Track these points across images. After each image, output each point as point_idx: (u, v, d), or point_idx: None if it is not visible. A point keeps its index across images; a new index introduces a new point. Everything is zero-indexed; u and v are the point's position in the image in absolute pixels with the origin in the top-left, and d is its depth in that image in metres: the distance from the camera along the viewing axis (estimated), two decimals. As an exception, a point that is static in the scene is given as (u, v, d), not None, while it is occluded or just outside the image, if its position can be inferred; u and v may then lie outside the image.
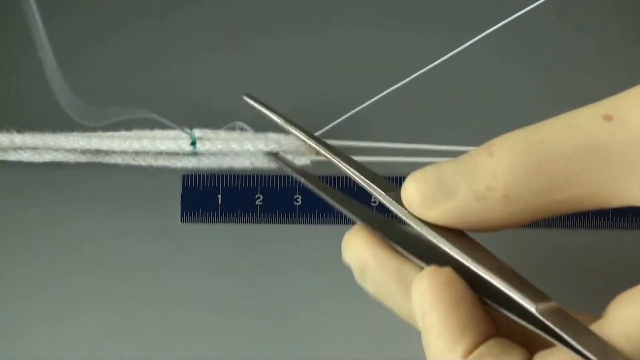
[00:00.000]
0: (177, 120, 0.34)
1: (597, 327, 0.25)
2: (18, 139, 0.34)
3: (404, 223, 0.29)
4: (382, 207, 0.30)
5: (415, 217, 0.28)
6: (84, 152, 0.35)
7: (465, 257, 0.27)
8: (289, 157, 0.34)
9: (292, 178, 0.39)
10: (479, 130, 0.38)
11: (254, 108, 0.33)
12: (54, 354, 0.36)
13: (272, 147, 0.33)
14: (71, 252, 0.38)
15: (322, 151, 0.32)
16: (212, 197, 0.38)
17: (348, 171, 0.31)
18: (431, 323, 0.26)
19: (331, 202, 0.31)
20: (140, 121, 0.35)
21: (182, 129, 0.33)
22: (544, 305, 0.25)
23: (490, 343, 0.26)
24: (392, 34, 0.41)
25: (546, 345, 0.25)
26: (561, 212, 0.26)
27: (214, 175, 0.39)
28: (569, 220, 0.38)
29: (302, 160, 0.34)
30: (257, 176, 0.39)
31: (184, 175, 0.38)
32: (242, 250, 0.38)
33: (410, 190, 0.28)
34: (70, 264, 0.37)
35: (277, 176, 0.39)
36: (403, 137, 0.36)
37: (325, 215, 0.38)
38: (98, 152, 0.35)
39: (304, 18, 0.41)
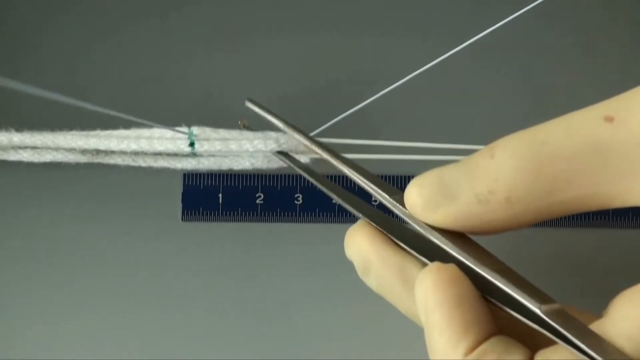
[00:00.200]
0: (177, 118, 0.34)
1: (598, 327, 0.25)
2: (17, 138, 0.33)
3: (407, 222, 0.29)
4: (383, 207, 0.30)
5: (418, 220, 0.28)
6: (83, 152, 0.35)
7: (469, 258, 0.27)
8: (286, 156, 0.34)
9: (292, 177, 0.39)
10: (480, 128, 0.38)
11: (257, 113, 0.33)
12: (54, 354, 0.36)
13: (272, 146, 0.33)
14: (72, 251, 0.38)
15: (327, 157, 0.32)
16: (213, 195, 0.38)
17: (352, 175, 0.31)
18: (434, 320, 0.26)
19: (335, 198, 0.31)
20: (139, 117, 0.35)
21: (179, 130, 0.33)
22: (548, 307, 0.25)
23: (493, 341, 0.26)
24: (392, 34, 0.41)
25: (547, 343, 0.25)
26: (563, 213, 0.26)
27: (215, 174, 0.39)
28: (569, 219, 0.38)
29: (302, 159, 0.34)
30: (257, 175, 0.39)
31: (184, 174, 0.38)
32: (242, 249, 0.38)
33: (413, 194, 0.28)
34: (71, 264, 0.37)
35: (277, 175, 0.39)
36: (405, 135, 0.36)
37: (326, 214, 0.38)
38: (97, 152, 0.35)
39: (304, 17, 0.41)
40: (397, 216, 0.29)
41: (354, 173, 0.31)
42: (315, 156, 0.33)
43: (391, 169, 0.39)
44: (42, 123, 0.35)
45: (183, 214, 0.38)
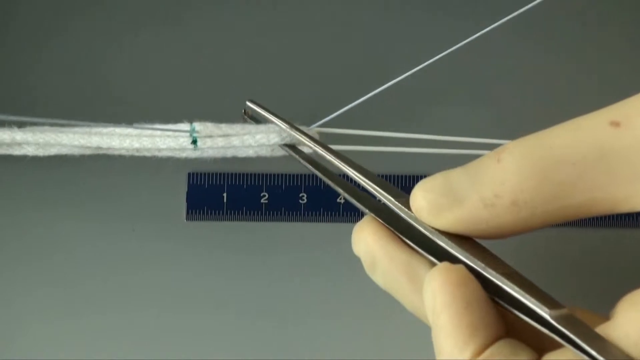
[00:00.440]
0: (180, 115, 0.34)
1: (604, 330, 0.24)
2: (19, 136, 0.33)
3: None
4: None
5: (424, 223, 0.28)
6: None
7: (476, 261, 0.27)
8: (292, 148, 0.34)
9: (297, 176, 0.38)
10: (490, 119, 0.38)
11: (258, 114, 0.33)
12: (57, 354, 0.37)
13: (274, 140, 0.33)
14: (74, 250, 0.38)
15: (331, 159, 0.32)
16: (218, 195, 0.38)
17: (358, 178, 0.30)
18: (442, 322, 0.26)
19: (341, 192, 0.31)
20: (141, 114, 0.35)
21: (180, 130, 0.33)
22: (556, 312, 0.25)
23: (500, 344, 0.26)
24: (399, 22, 0.41)
25: (554, 346, 0.25)
26: (570, 217, 0.26)
27: (220, 174, 0.38)
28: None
29: (305, 149, 0.34)
30: (262, 174, 0.38)
31: (189, 173, 0.38)
32: (247, 248, 0.38)
33: (419, 198, 0.28)
34: (74, 263, 0.38)
35: (282, 174, 0.38)
36: (412, 127, 0.36)
37: (330, 213, 0.38)
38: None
39: (307, 12, 0.41)
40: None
41: (359, 175, 0.30)
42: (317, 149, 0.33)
43: (396, 166, 0.38)
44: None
45: (188, 213, 0.38)
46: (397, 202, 0.29)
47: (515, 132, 0.33)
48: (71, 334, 0.37)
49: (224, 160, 0.34)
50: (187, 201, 0.38)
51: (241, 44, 0.40)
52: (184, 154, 0.34)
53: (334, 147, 0.32)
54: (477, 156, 0.31)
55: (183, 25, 0.40)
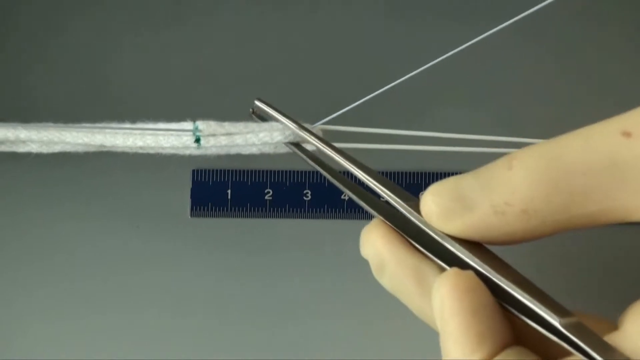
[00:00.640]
0: (183, 113, 0.34)
1: (613, 339, 0.24)
2: (23, 134, 0.33)
3: None
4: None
5: (434, 227, 0.28)
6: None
7: (486, 267, 0.27)
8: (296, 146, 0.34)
9: (301, 173, 0.38)
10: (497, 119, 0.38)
11: (267, 113, 0.33)
12: (60, 353, 0.37)
13: (278, 138, 0.33)
14: (78, 248, 0.38)
15: (339, 160, 0.31)
16: (222, 191, 0.38)
17: (366, 180, 0.30)
18: (450, 329, 0.26)
19: (349, 194, 0.31)
20: (145, 113, 0.35)
21: (183, 129, 0.32)
22: (566, 320, 0.25)
23: (508, 352, 0.25)
24: (403, 22, 0.40)
25: (563, 353, 0.25)
26: (581, 226, 0.26)
27: (224, 170, 0.38)
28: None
29: (309, 147, 0.34)
30: (266, 171, 0.38)
31: (193, 170, 0.38)
32: (251, 245, 0.38)
33: (429, 203, 0.27)
34: (77, 260, 0.38)
35: (286, 171, 0.38)
36: (416, 126, 0.35)
37: (335, 210, 0.38)
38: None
39: (313, 8, 0.40)
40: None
41: (368, 177, 0.30)
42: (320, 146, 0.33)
43: (400, 163, 0.38)
44: (47, 115, 0.35)
45: (192, 209, 0.38)
46: (406, 206, 0.29)
47: (518, 131, 0.33)
48: (74, 333, 0.37)
49: (228, 157, 0.34)
50: (191, 198, 0.38)
51: (244, 42, 0.40)
52: (187, 151, 0.34)
53: (338, 145, 0.32)
54: (480, 154, 0.31)
55: (186, 25, 0.40)
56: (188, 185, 0.38)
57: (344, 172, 0.32)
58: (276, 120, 0.33)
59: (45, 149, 0.34)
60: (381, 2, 0.40)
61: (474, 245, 0.27)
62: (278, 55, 0.40)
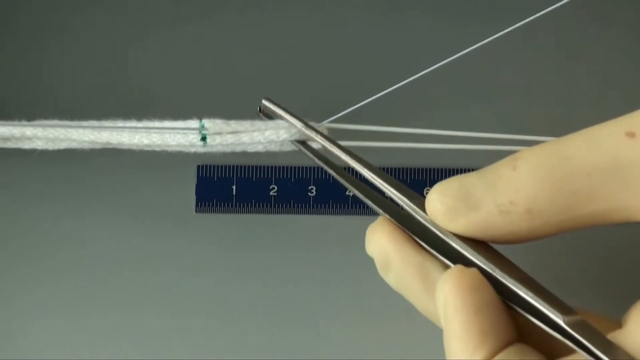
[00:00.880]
0: (190, 112, 0.34)
1: (616, 338, 0.25)
2: (29, 131, 0.33)
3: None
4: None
5: (439, 226, 0.28)
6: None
7: (490, 265, 0.27)
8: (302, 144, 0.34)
9: (306, 169, 0.38)
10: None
11: (274, 112, 0.33)
12: (64, 352, 0.37)
13: (284, 137, 0.33)
14: (82, 244, 0.38)
15: (346, 158, 0.32)
16: (227, 187, 0.38)
17: (372, 178, 0.31)
18: (453, 326, 0.26)
19: (355, 192, 0.31)
20: (151, 111, 0.35)
21: (189, 128, 0.33)
22: (570, 318, 0.25)
23: (511, 349, 0.26)
24: (408, 22, 0.40)
25: (565, 352, 0.25)
26: (585, 226, 0.26)
27: (229, 166, 0.38)
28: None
29: (314, 145, 0.34)
30: (271, 167, 0.38)
31: (198, 166, 0.38)
32: (256, 241, 0.38)
33: (434, 201, 0.28)
34: (83, 257, 0.38)
35: (291, 167, 0.38)
36: (421, 124, 0.36)
37: (339, 206, 0.38)
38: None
39: (316, 10, 0.40)
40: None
41: (374, 176, 0.30)
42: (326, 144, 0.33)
43: (403, 159, 0.38)
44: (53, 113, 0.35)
45: (197, 205, 0.38)
46: (411, 204, 0.29)
47: (522, 131, 0.33)
48: (77, 331, 0.37)
49: (233, 153, 0.34)
50: (196, 194, 0.38)
51: (250, 41, 0.40)
52: (193, 149, 0.34)
53: (344, 143, 0.32)
54: (484, 151, 0.31)
55: (193, 24, 0.40)
56: (193, 181, 0.38)
57: (349, 170, 0.32)
58: (283, 119, 0.33)
59: (50, 146, 0.35)
60: (383, 2, 0.40)
61: (478, 243, 0.28)
62: (284, 54, 0.40)
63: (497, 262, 0.27)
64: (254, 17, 0.40)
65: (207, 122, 0.33)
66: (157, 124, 0.33)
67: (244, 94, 0.36)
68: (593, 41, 0.40)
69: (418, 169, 0.39)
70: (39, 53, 0.39)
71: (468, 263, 0.27)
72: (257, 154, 0.35)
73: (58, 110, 0.35)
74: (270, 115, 0.34)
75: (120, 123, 0.34)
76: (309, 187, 0.38)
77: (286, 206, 0.38)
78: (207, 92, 0.39)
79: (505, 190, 0.26)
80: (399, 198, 0.30)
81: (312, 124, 0.33)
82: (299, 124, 0.33)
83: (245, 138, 0.33)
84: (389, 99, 0.34)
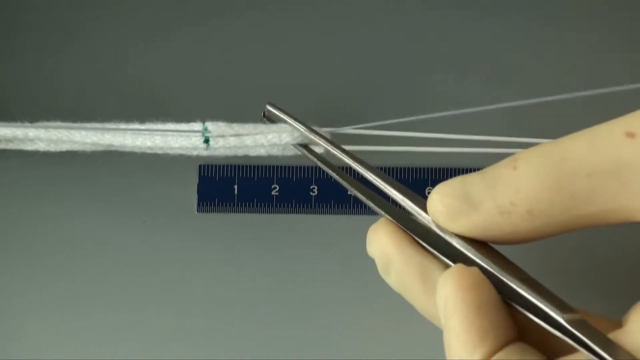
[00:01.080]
0: (193, 114, 0.35)
1: (617, 337, 0.25)
2: (32, 132, 0.34)
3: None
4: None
5: (440, 226, 0.28)
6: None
7: (491, 264, 0.27)
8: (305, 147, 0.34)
9: (308, 168, 0.38)
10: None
11: (278, 117, 0.34)
12: (66, 353, 0.37)
13: (286, 140, 0.33)
14: (83, 245, 0.38)
15: (349, 161, 0.32)
16: (229, 187, 0.38)
17: (374, 180, 0.31)
18: (453, 324, 0.26)
19: (356, 194, 0.31)
20: (154, 114, 0.35)
21: (192, 130, 0.33)
22: (570, 316, 0.25)
23: (511, 348, 0.26)
24: (413, 23, 0.40)
25: (565, 351, 0.26)
26: (586, 226, 0.26)
27: (230, 166, 0.39)
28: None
29: (317, 149, 0.34)
30: (273, 166, 0.39)
31: (200, 165, 0.38)
32: (258, 240, 0.38)
33: (436, 202, 0.28)
34: (83, 257, 0.38)
35: (293, 166, 0.39)
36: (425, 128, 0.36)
37: (341, 206, 0.38)
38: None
39: (321, 14, 0.40)
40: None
41: (376, 178, 0.31)
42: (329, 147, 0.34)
43: (409, 159, 0.39)
44: (56, 114, 0.35)
45: (198, 205, 0.38)
46: (413, 205, 0.29)
47: (523, 132, 0.33)
48: (79, 331, 0.37)
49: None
50: (198, 193, 0.38)
51: (254, 44, 0.40)
52: (195, 152, 0.34)
53: (346, 147, 0.32)
54: (490, 154, 0.31)
55: (196, 26, 0.40)
56: (195, 180, 0.38)
57: (350, 171, 0.32)
58: (287, 123, 0.33)
59: (53, 148, 0.35)
60: (387, 6, 0.40)
61: (479, 243, 0.28)
62: (287, 57, 0.40)
63: (497, 261, 0.27)
64: (258, 19, 0.40)
65: (210, 125, 0.33)
66: (160, 126, 0.33)
67: (247, 97, 0.36)
68: (593, 41, 0.40)
69: (420, 169, 0.39)
70: (43, 55, 0.39)
71: (469, 263, 0.27)
72: (258, 154, 0.35)
73: (61, 112, 0.35)
74: (273, 120, 0.34)
75: (123, 125, 0.34)
76: (311, 187, 0.39)
77: (288, 206, 0.38)
78: (210, 95, 0.39)
79: (506, 191, 0.26)
80: (401, 200, 0.30)
81: (315, 128, 0.33)
82: (302, 128, 0.33)
83: (248, 141, 0.33)
84: (389, 101, 0.35)
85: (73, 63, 0.39)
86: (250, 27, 0.40)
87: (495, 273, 0.27)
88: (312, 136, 0.33)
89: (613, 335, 0.25)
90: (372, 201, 0.31)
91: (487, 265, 0.27)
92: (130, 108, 0.37)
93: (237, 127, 0.33)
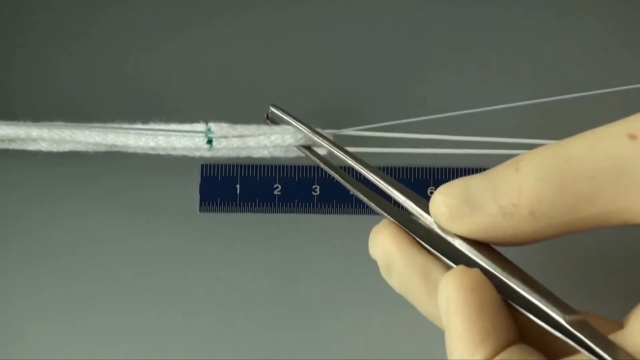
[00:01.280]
0: (197, 115, 0.35)
1: (618, 338, 0.25)
2: (35, 132, 0.34)
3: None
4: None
5: (443, 228, 0.28)
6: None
7: (493, 266, 0.27)
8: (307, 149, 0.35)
9: (310, 168, 0.39)
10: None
11: (281, 118, 0.34)
12: (68, 353, 0.37)
13: (289, 142, 0.33)
14: (85, 244, 0.38)
15: (351, 163, 0.32)
16: (231, 186, 0.39)
17: (377, 182, 0.31)
18: (455, 325, 0.26)
19: (359, 195, 0.32)
20: (157, 114, 0.35)
21: (196, 130, 0.33)
22: (571, 318, 0.25)
23: (512, 349, 0.26)
24: (416, 25, 0.40)
25: (566, 353, 0.26)
26: (588, 228, 0.26)
27: (233, 165, 0.39)
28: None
29: (320, 151, 0.34)
30: (275, 166, 0.39)
31: (202, 165, 0.38)
32: (260, 240, 0.38)
33: (439, 204, 0.28)
34: (84, 257, 0.38)
35: (295, 166, 0.39)
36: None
37: (343, 205, 0.38)
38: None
39: (324, 15, 0.40)
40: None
41: (379, 180, 0.31)
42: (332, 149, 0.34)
43: (412, 159, 0.39)
44: (59, 114, 0.35)
45: (201, 204, 0.38)
46: (415, 207, 0.30)
47: (525, 133, 0.33)
48: (81, 331, 0.37)
49: (238, 153, 0.35)
50: (200, 193, 0.38)
51: (257, 45, 0.40)
52: (198, 153, 0.34)
53: (349, 148, 0.33)
54: (493, 156, 0.31)
55: (201, 27, 0.40)
56: (197, 180, 0.38)
57: (352, 172, 0.32)
58: (290, 124, 0.34)
59: (55, 148, 0.35)
60: (387, 6, 0.40)
61: (481, 245, 0.28)
62: (291, 58, 0.40)
63: (499, 263, 0.27)
64: (262, 20, 0.40)
65: (213, 126, 0.33)
66: (163, 126, 0.34)
67: (249, 98, 0.36)
68: (593, 41, 0.40)
69: (422, 169, 0.39)
70: (45, 55, 0.39)
71: (471, 264, 0.28)
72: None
73: (64, 112, 0.35)
74: (276, 122, 0.34)
75: (126, 125, 0.34)
76: (313, 187, 0.39)
77: (290, 205, 0.38)
78: (213, 96, 0.39)
79: (508, 192, 0.26)
80: (404, 201, 0.30)
81: (317, 129, 0.34)
82: (305, 130, 0.33)
83: (251, 142, 0.33)
84: (390, 104, 0.35)
85: (76, 63, 0.39)
86: (253, 28, 0.40)
87: (497, 274, 0.27)
88: (315, 138, 0.33)
89: (614, 337, 0.25)
90: (375, 202, 0.31)
91: (488, 266, 0.27)
92: (133, 108, 0.37)
93: (240, 128, 0.33)
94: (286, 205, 0.38)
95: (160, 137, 0.33)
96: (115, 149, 0.35)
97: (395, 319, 0.37)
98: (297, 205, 0.39)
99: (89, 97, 0.39)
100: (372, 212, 0.31)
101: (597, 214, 0.26)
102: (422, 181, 0.39)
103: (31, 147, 0.35)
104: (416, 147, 0.35)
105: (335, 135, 0.34)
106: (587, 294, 0.37)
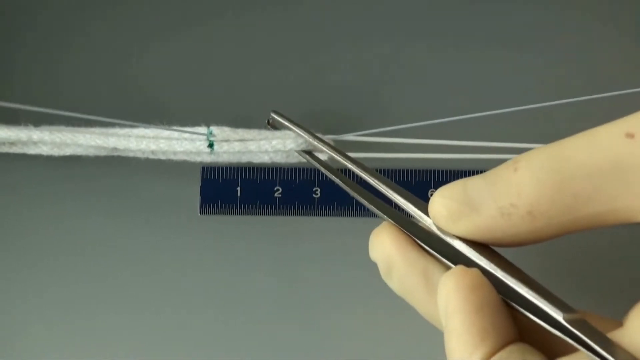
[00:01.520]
0: (198, 119, 0.35)
1: (616, 336, 0.25)
2: (36, 135, 0.34)
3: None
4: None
5: (442, 229, 0.28)
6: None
7: (492, 266, 0.27)
8: (308, 154, 0.35)
9: (310, 171, 0.39)
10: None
11: (282, 124, 0.34)
12: (69, 353, 0.37)
13: (290, 146, 0.34)
14: (86, 246, 0.38)
15: (352, 167, 0.32)
16: (231, 189, 0.39)
17: (376, 185, 0.31)
18: (454, 325, 0.26)
19: (359, 199, 0.32)
20: (159, 116, 0.35)
21: (197, 132, 0.33)
22: (570, 316, 0.25)
23: (511, 348, 0.26)
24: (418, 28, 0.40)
25: (565, 351, 0.26)
26: (586, 228, 0.26)
27: (233, 168, 0.39)
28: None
29: (321, 156, 0.35)
30: (276, 168, 0.39)
31: (203, 167, 0.38)
32: (260, 242, 0.38)
33: (438, 205, 0.28)
34: (86, 259, 0.38)
35: (296, 168, 0.39)
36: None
37: (344, 208, 0.39)
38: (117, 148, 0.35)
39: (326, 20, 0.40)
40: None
41: (379, 183, 0.31)
42: (332, 153, 0.34)
43: (411, 161, 0.39)
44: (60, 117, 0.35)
45: (201, 207, 0.38)
46: (415, 208, 0.30)
47: (524, 134, 0.33)
48: (82, 332, 0.37)
49: (238, 154, 0.35)
50: (201, 195, 0.39)
51: (260, 50, 0.40)
52: (199, 158, 0.34)
53: (350, 153, 0.33)
54: (492, 160, 0.31)
55: (202, 30, 0.40)
56: (197, 182, 0.39)
57: (353, 177, 0.32)
58: (291, 130, 0.34)
59: (56, 152, 0.35)
60: (389, 11, 0.41)
61: (480, 246, 0.28)
62: (293, 63, 0.40)
63: (498, 263, 0.28)
64: (264, 24, 0.40)
65: (214, 129, 0.34)
66: (165, 129, 0.34)
67: (250, 104, 0.36)
68: (592, 42, 0.40)
69: (422, 171, 0.39)
70: (46, 58, 0.39)
71: (470, 265, 0.28)
72: (261, 156, 0.35)
73: (65, 116, 0.35)
74: (277, 127, 0.34)
75: (127, 128, 0.34)
76: (314, 189, 0.39)
77: (290, 208, 0.39)
78: (215, 100, 0.39)
79: (507, 193, 0.26)
80: (403, 203, 0.30)
81: (318, 135, 0.34)
82: (306, 135, 0.33)
83: (252, 146, 0.34)
84: (391, 108, 0.35)
85: (77, 66, 0.39)
86: (256, 32, 0.40)
87: (496, 274, 0.27)
88: (316, 143, 0.33)
89: (613, 335, 0.25)
90: (375, 205, 0.31)
91: (488, 266, 0.27)
92: (134, 111, 0.37)
93: (241, 132, 0.34)
94: (287, 208, 0.39)
95: (162, 141, 0.33)
96: (116, 153, 0.35)
97: (396, 321, 0.37)
98: (298, 208, 0.39)
99: (89, 101, 0.39)
100: (372, 214, 0.31)
101: (595, 213, 0.26)
102: (423, 183, 0.39)
103: (32, 150, 0.35)
104: (416, 152, 0.35)
105: (335, 141, 0.35)
106: (587, 294, 0.36)
